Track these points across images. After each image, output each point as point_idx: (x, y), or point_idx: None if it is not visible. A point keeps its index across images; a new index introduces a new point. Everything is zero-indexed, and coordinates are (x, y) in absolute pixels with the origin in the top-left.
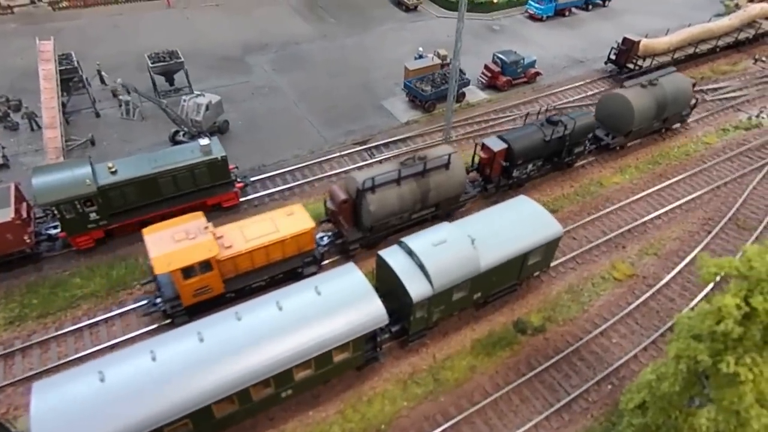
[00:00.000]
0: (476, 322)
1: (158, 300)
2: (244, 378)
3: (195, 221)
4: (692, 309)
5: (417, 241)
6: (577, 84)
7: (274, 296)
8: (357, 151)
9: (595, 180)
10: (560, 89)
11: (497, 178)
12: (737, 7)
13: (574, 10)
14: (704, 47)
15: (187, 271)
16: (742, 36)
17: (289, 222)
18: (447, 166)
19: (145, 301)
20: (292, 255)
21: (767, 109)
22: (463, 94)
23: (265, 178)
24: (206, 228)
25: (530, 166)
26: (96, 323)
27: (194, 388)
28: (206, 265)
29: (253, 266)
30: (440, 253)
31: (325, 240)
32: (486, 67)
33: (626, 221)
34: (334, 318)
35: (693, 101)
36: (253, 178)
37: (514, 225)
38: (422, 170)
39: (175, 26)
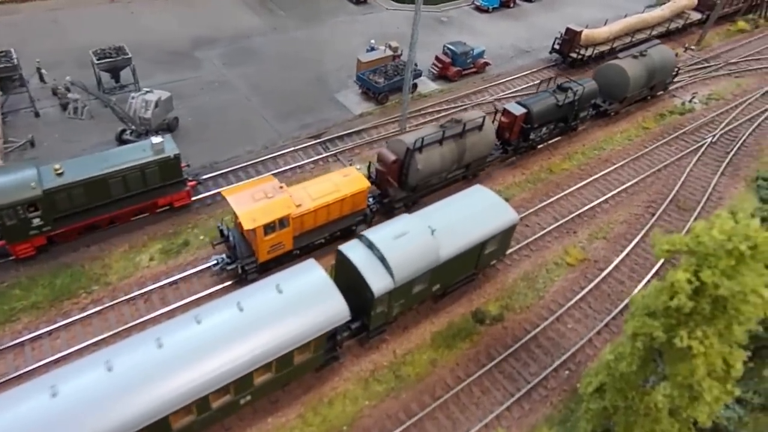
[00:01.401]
0: (435, 314)
1: (228, 260)
2: (204, 385)
3: (269, 182)
4: (645, 288)
5: (378, 233)
6: (524, 73)
7: (234, 297)
8: (312, 144)
9: (545, 167)
10: (509, 78)
11: (516, 141)
12: None
13: (518, 1)
14: (640, 36)
15: (268, 228)
16: (672, 26)
17: (346, 182)
18: (480, 127)
19: (213, 262)
20: (348, 214)
21: (698, 94)
22: (415, 85)
23: (217, 175)
24: (281, 188)
25: (544, 129)
26: (39, 336)
27: (152, 398)
28: (284, 222)
29: (315, 224)
30: (401, 245)
31: (371, 201)
32: (437, 58)
33: (576, 206)
34: (295, 317)
35: (675, 70)
36: (205, 176)
37: (471, 214)
38: (461, 131)
39: (119, 21)
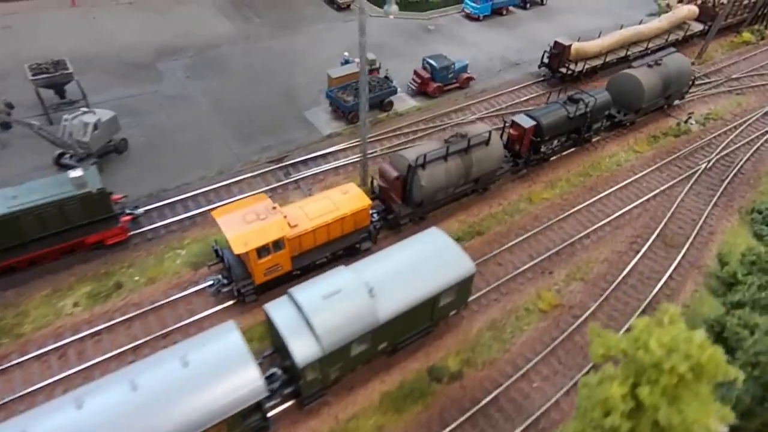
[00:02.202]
0: (387, 371)
1: (225, 281)
2: None
3: (261, 202)
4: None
5: (306, 292)
6: (511, 89)
7: (128, 372)
8: (271, 170)
9: (524, 196)
10: (493, 95)
11: (527, 154)
12: (668, 7)
13: (511, 8)
14: (636, 50)
15: (261, 251)
16: (672, 38)
17: (346, 200)
18: (487, 142)
19: (209, 283)
20: (350, 232)
21: (695, 114)
22: (390, 103)
23: (163, 205)
24: (274, 208)
25: (555, 142)
26: None
27: None
28: (278, 244)
29: (315, 244)
30: (331, 307)
31: (376, 216)
32: (416, 72)
33: (555, 242)
34: (201, 394)
35: (691, 79)
36: (147, 207)
37: (420, 265)
38: (466, 146)
39: (78, 27)
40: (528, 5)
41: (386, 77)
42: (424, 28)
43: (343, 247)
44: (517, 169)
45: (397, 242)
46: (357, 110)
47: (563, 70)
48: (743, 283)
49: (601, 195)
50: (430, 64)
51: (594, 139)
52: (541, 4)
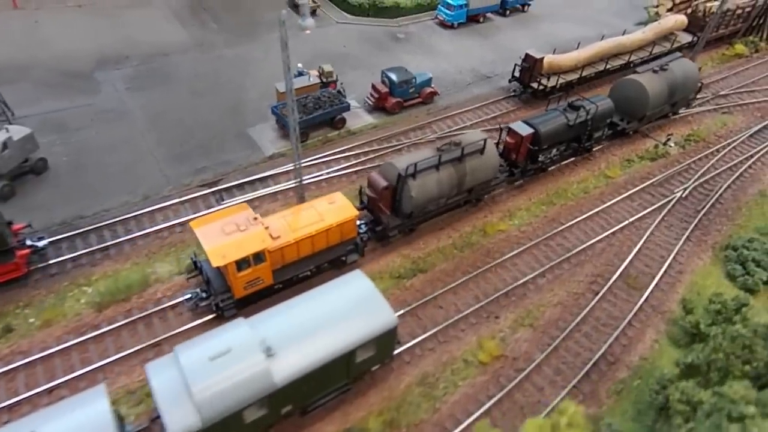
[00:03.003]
0: None
1: (204, 294)
2: None
3: (242, 212)
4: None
5: (192, 351)
6: (477, 105)
7: None
8: (202, 195)
9: (479, 227)
10: (458, 111)
11: (524, 163)
12: (657, 15)
13: (490, 15)
14: (617, 63)
15: (241, 264)
16: (657, 50)
17: (332, 210)
18: (482, 151)
19: (188, 296)
20: (336, 244)
21: (675, 135)
22: (343, 120)
23: (75, 234)
24: (255, 219)
25: (554, 151)
26: None
27: None
28: (259, 257)
29: (298, 256)
30: (218, 370)
31: (363, 228)
32: (373, 86)
33: (505, 282)
34: None
35: (699, 85)
36: (57, 237)
37: (333, 317)
38: (459, 155)
39: (17, 31)
40: (508, 12)
41: (339, 91)
42: (392, 36)
43: (328, 259)
44: (513, 179)
45: (312, 289)
46: (304, 128)
47: (534, 85)
48: (705, 336)
49: (563, 227)
50: (389, 78)
51: (596, 147)
52: (522, 11)
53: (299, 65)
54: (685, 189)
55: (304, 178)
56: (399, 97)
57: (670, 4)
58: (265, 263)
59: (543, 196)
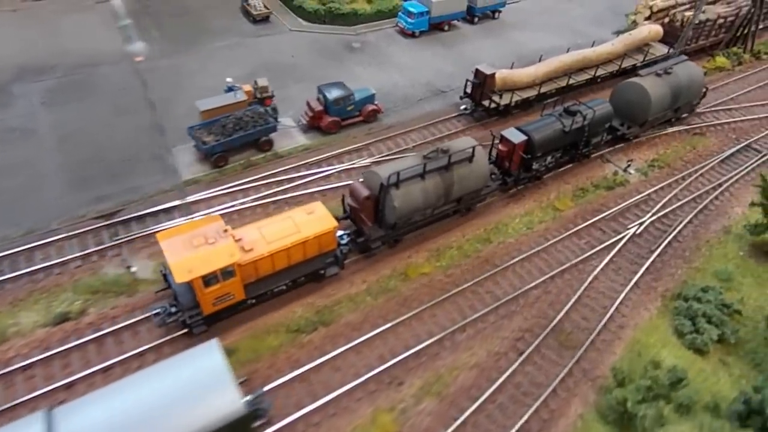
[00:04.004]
0: None
1: (173, 309)
2: None
3: (212, 224)
4: None
5: None
6: (424, 124)
7: None
8: (96, 228)
9: (399, 270)
10: (402, 131)
11: (517, 172)
12: (635, 24)
13: (457, 23)
14: (581, 78)
15: (209, 279)
16: (627, 63)
17: (310, 221)
18: (470, 159)
19: (156, 311)
20: (314, 256)
21: (635, 161)
22: (269, 142)
23: None
24: (225, 231)
25: (549, 158)
26: None
27: None
28: (228, 272)
29: (273, 270)
30: None
31: (345, 239)
32: (308, 104)
33: (418, 338)
34: None
35: (704, 90)
36: None
37: (160, 407)
38: (446, 164)
39: None
40: (476, 20)
41: (270, 109)
42: (347, 46)
43: (305, 273)
44: (506, 188)
45: (145, 368)
46: (220, 152)
47: (486, 103)
48: (633, 416)
49: (497, 270)
50: (323, 95)
51: (594, 154)
52: (493, 17)
53: (228, 80)
54: (640, 224)
55: (215, 209)
56: (335, 115)
57: (647, 13)
58: (235, 278)
59: (480, 232)
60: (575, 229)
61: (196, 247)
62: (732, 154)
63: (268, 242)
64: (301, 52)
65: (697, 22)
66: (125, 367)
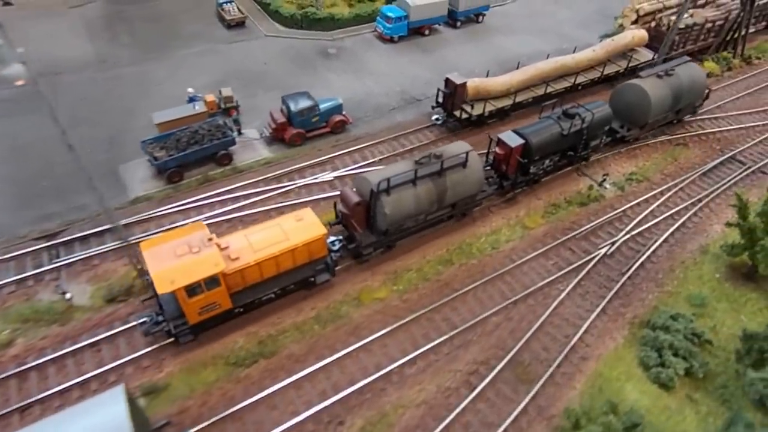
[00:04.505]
0: None
1: (160, 318)
2: None
3: (197, 232)
4: None
5: None
6: (394, 135)
7: None
8: (35, 250)
9: (352, 295)
10: (370, 143)
11: (514, 175)
12: (622, 28)
13: (438, 28)
14: (560, 86)
15: (192, 289)
16: (610, 70)
17: (298, 228)
18: (464, 164)
19: (142, 320)
20: (303, 264)
21: (611, 176)
22: (228, 156)
23: None
24: (210, 240)
25: (547, 162)
26: None
27: None
28: (213, 282)
29: (261, 278)
30: None
31: (337, 245)
32: (271, 115)
33: (365, 371)
34: None
35: (706, 92)
36: None
37: None
38: (439, 169)
39: None
40: (458, 24)
41: (231, 121)
42: (323, 52)
43: (295, 281)
44: (502, 192)
45: (42, 420)
46: (174, 167)
47: (457, 113)
48: None
49: (456, 294)
50: (287, 105)
51: (593, 157)
52: (477, 22)
53: (189, 90)
54: (612, 244)
55: (164, 227)
56: (300, 127)
57: (634, 17)
58: (220, 287)
59: (442, 252)
60: (543, 249)
61: (179, 256)
62: (715, 167)
63: (255, 250)
64: (274, 59)
65: (682, 26)
66: (46, 406)
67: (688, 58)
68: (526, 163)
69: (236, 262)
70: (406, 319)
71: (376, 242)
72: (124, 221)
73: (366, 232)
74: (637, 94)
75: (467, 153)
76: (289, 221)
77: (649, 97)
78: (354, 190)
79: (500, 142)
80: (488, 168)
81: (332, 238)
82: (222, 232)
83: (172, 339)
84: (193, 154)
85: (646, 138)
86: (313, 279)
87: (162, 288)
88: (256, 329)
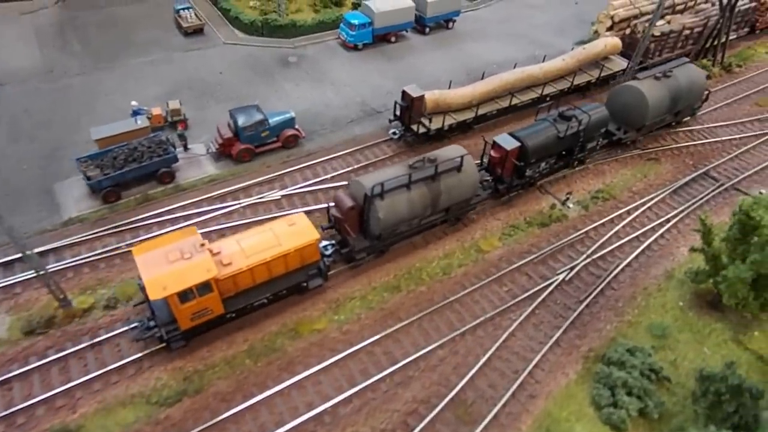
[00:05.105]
0: None
1: (151, 324)
2: None
3: (189, 237)
4: None
5: None
6: (349, 150)
7: None
8: None
9: (290, 326)
10: (323, 158)
11: (510, 179)
12: (597, 34)
13: (406, 34)
14: (526, 97)
15: (184, 295)
16: (581, 80)
17: (291, 233)
18: (459, 168)
19: (133, 325)
20: (296, 269)
21: (575, 194)
22: (170, 174)
23: None
24: (202, 245)
25: (543, 164)
26: None
27: None
28: (205, 287)
29: (254, 283)
30: None
31: (330, 249)
32: (218, 129)
33: (295, 411)
34: None
35: (706, 93)
36: None
37: None
38: (433, 173)
39: None
40: (428, 30)
41: (167, 138)
42: (283, 60)
43: (287, 286)
44: (498, 195)
45: None
46: (109, 187)
47: (414, 127)
48: None
49: (401, 325)
50: (234, 120)
51: (588, 159)
52: (447, 28)
53: (133, 103)
54: (572, 268)
55: (95, 252)
56: (248, 142)
57: (609, 23)
58: (212, 293)
59: (389, 278)
60: (498, 275)
61: (171, 262)
62: (687, 183)
63: (247, 256)
64: (231, 68)
65: (658, 33)
66: None
67: (687, 59)
68: (522, 166)
69: (228, 268)
70: (345, 353)
71: (370, 247)
72: (53, 245)
73: (359, 236)
74: (634, 96)
75: (462, 157)
76: (282, 226)
77: (646, 99)
78: (348, 194)
79: (496, 145)
80: (482, 171)
81: (324, 243)
82: None
83: (162, 345)
84: (131, 173)
85: (616, 152)
86: (305, 284)
87: (154, 294)
88: (183, 364)
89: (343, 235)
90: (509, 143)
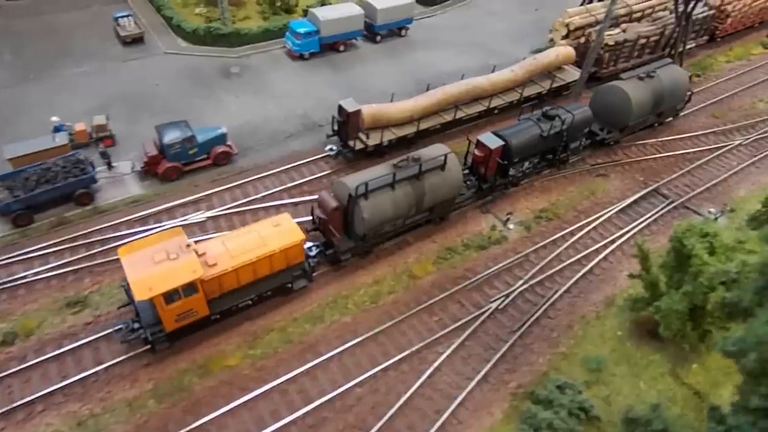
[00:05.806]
0: None
1: (136, 325)
2: None
3: (175, 238)
4: None
5: None
6: (284, 167)
7: None
8: None
9: (200, 362)
10: (255, 177)
11: (493, 178)
12: (553, 42)
13: (357, 42)
14: (475, 109)
15: (170, 296)
16: (531, 92)
17: (276, 234)
18: (442, 167)
19: (117, 328)
20: (281, 270)
21: (517, 212)
22: (88, 195)
23: None
24: (188, 246)
25: (526, 164)
26: None
27: None
28: (191, 288)
29: (239, 284)
30: None
31: (314, 251)
32: (143, 146)
33: None
34: None
35: (689, 94)
36: None
37: None
38: (417, 173)
39: None
40: (379, 38)
41: (85, 157)
42: (224, 71)
43: (272, 287)
44: (482, 194)
45: None
46: (20, 210)
47: (351, 143)
48: None
49: (319, 360)
50: (159, 136)
51: (572, 158)
52: (400, 35)
53: (54, 119)
54: (507, 296)
55: (2, 279)
56: (175, 160)
57: (565, 31)
58: (197, 294)
59: (313, 307)
60: (428, 303)
61: (157, 263)
62: (635, 201)
63: (232, 256)
64: (169, 79)
65: (612, 42)
66: None
67: (670, 60)
68: (505, 165)
69: (214, 269)
70: (256, 392)
71: (354, 247)
72: None
73: (344, 237)
74: (618, 97)
75: (446, 155)
76: (267, 227)
77: (630, 99)
78: (332, 194)
79: (479, 144)
80: (466, 170)
81: (309, 244)
82: (66, 285)
83: (148, 346)
84: (43, 195)
85: (564, 168)
86: (290, 285)
87: (140, 295)
88: (78, 407)
89: (327, 236)
90: (493, 142)
